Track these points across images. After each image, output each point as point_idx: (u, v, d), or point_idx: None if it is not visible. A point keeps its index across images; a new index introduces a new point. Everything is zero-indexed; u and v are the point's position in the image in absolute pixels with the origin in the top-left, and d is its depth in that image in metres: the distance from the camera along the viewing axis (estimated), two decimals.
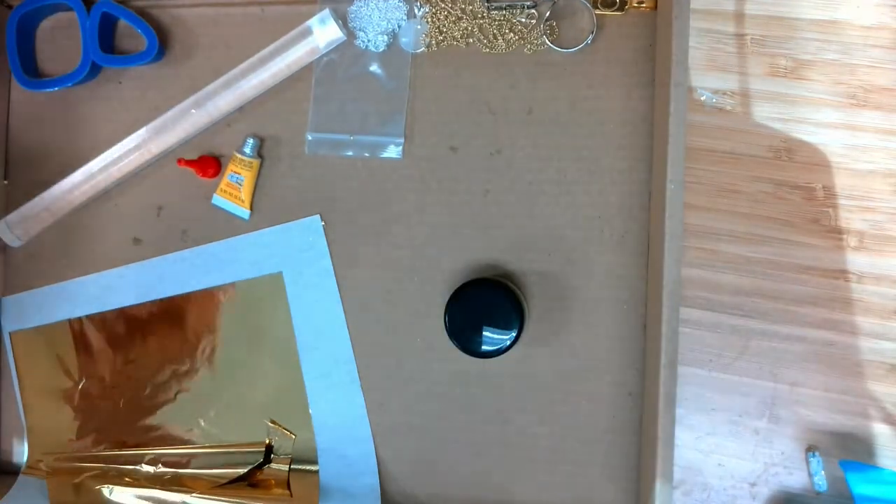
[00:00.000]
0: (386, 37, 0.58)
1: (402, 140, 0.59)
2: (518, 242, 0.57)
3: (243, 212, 0.60)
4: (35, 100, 0.64)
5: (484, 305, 0.51)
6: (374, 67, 0.59)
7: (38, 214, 0.62)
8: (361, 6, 0.59)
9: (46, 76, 0.64)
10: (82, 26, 0.60)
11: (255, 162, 0.60)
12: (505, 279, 0.55)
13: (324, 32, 0.58)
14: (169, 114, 0.60)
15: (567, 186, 0.57)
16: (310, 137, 0.60)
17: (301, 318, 0.61)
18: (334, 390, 0.60)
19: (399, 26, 0.59)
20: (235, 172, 0.59)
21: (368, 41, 0.59)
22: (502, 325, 0.51)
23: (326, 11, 0.57)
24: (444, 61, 0.58)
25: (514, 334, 0.51)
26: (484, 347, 0.51)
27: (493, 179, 0.58)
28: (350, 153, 0.59)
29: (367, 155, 0.59)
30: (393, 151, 0.59)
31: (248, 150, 0.59)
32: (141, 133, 0.61)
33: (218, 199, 0.60)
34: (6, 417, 0.66)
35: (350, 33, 0.59)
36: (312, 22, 0.58)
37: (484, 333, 0.51)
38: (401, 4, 0.58)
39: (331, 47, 0.59)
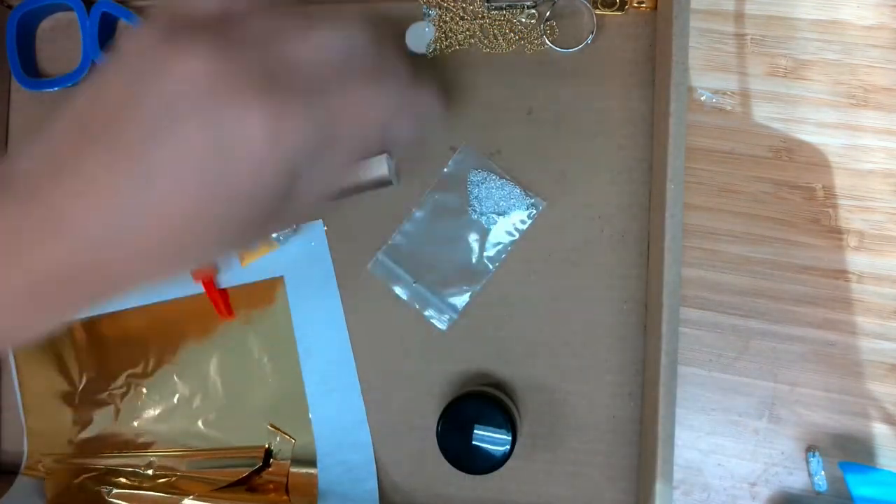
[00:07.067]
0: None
1: None
2: None
3: None
4: (35, 100, 0.64)
5: (474, 420, 0.52)
6: None
7: None
8: None
9: (46, 76, 0.64)
10: (82, 26, 0.60)
11: None
12: (493, 390, 0.56)
13: None
14: None
15: (567, 186, 0.57)
16: None
17: (302, 322, 0.61)
18: (334, 395, 0.60)
19: None
20: None
21: None
22: (494, 440, 0.52)
23: None
24: (444, 61, 0.58)
25: (507, 447, 0.52)
26: (479, 464, 0.52)
27: None
28: None
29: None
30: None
31: None
32: None
33: None
34: (6, 418, 0.66)
35: None
36: None
37: (476, 447, 0.52)
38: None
39: None
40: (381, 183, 0.57)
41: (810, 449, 0.55)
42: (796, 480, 0.56)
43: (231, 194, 0.33)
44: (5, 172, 0.33)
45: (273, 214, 0.37)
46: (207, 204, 0.33)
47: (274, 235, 0.59)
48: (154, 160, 0.32)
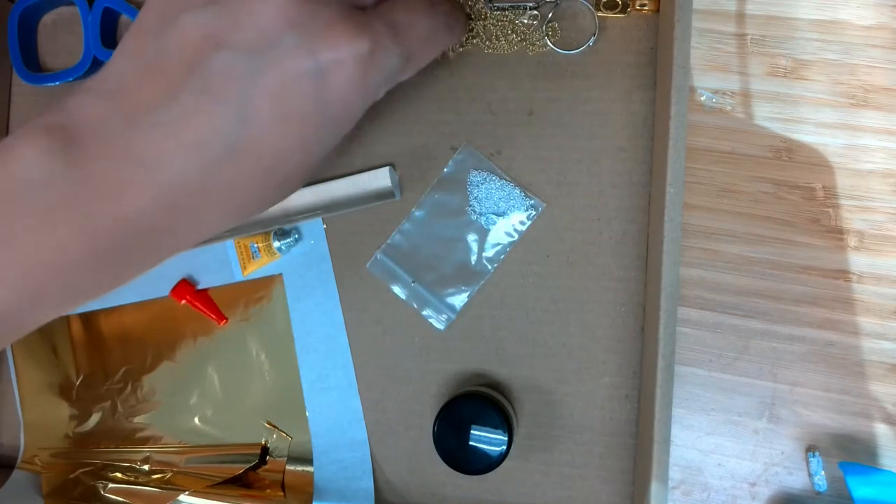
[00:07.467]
0: None
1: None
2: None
3: None
4: (36, 94, 0.64)
5: (470, 421, 0.52)
6: None
7: None
8: None
9: (48, 70, 0.64)
10: (84, 21, 0.60)
11: None
12: (490, 390, 0.56)
13: None
14: None
15: (567, 188, 0.57)
16: None
17: (300, 320, 0.61)
18: (331, 393, 0.60)
19: None
20: None
21: None
22: (491, 440, 0.52)
23: None
24: (444, 60, 0.58)
25: (503, 448, 0.52)
26: (475, 464, 0.52)
27: None
28: None
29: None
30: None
31: None
32: None
33: None
34: (3, 412, 0.66)
35: None
36: None
37: (473, 448, 0.52)
38: None
39: None
40: (384, 195, 0.57)
41: (810, 449, 0.55)
42: (796, 480, 0.55)
43: (324, 119, 0.35)
44: (66, 122, 0.32)
45: (340, 142, 0.39)
46: (303, 129, 0.34)
47: (276, 245, 0.59)
48: (253, 91, 0.32)
